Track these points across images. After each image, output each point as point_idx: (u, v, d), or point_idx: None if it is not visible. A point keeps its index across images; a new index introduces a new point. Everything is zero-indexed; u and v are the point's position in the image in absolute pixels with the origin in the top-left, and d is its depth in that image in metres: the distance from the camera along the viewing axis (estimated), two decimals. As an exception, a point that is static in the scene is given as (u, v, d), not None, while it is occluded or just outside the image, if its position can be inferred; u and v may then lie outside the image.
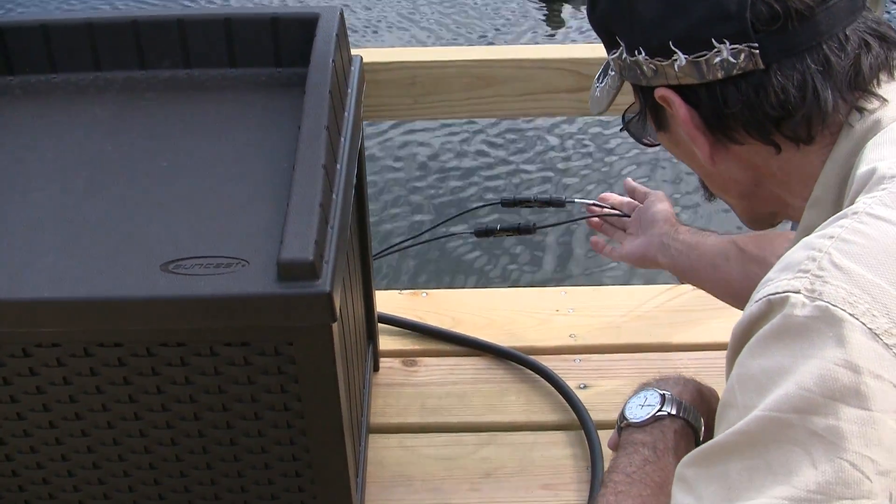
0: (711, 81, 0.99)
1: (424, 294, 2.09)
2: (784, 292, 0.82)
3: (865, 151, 0.94)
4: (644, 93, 1.09)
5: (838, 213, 0.89)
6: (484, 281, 3.79)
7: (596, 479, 1.68)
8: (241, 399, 1.29)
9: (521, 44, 6.08)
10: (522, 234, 1.86)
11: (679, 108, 1.02)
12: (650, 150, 1.21)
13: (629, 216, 1.70)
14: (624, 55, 1.06)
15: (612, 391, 1.83)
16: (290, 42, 1.47)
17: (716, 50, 0.97)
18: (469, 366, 1.93)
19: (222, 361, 1.24)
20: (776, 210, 1.14)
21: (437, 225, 1.96)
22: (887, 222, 0.83)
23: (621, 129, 1.25)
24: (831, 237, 0.84)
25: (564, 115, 3.98)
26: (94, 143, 1.38)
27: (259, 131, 1.38)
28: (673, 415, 1.20)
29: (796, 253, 0.86)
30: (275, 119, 1.40)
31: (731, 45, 0.96)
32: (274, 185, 1.27)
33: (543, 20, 6.51)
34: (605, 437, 1.74)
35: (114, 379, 1.26)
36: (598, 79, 1.21)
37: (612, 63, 1.13)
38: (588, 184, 4.49)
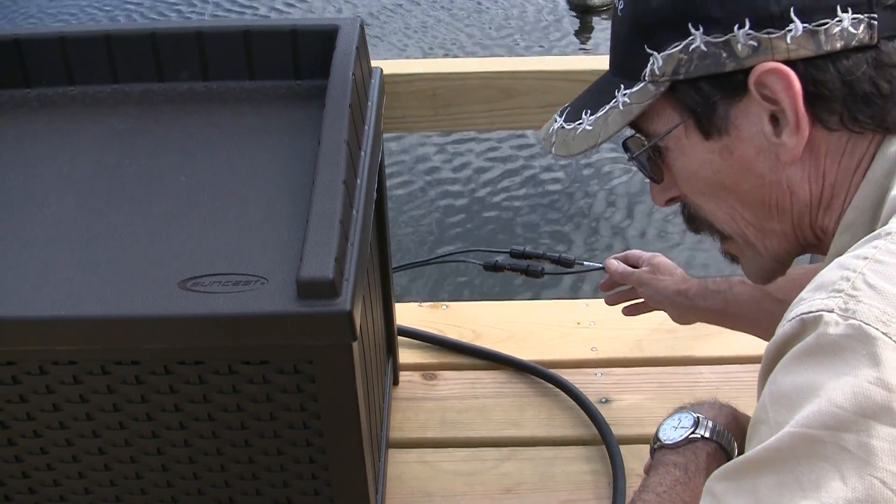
0: (826, 54, 0.91)
1: (444, 307, 2.08)
2: (818, 311, 0.80)
3: None
4: (712, 84, 0.97)
5: (871, 234, 0.87)
6: (505, 293, 3.78)
7: (618, 494, 1.66)
8: (259, 417, 1.27)
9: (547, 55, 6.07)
10: (530, 277, 1.85)
11: (794, 83, 0.92)
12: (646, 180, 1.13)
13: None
14: (696, 44, 0.95)
15: (633, 405, 1.81)
16: (309, 54, 1.45)
17: (837, 19, 0.90)
18: (489, 379, 1.92)
19: (241, 380, 1.23)
20: (792, 247, 1.07)
21: (461, 251, 1.96)
22: None
23: (630, 159, 1.10)
24: (865, 258, 0.82)
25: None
26: (112, 156, 1.37)
27: (278, 145, 1.37)
28: (706, 438, 1.19)
29: (829, 273, 0.83)
30: (294, 132, 1.38)
31: (853, 14, 0.90)
32: (293, 200, 1.26)
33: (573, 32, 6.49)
34: (626, 452, 1.73)
35: (131, 397, 1.25)
36: (587, 111, 1.08)
37: (658, 62, 0.99)
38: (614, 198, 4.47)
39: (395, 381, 1.88)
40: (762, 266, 1.11)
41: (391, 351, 1.84)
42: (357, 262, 1.19)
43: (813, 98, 0.92)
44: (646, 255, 1.69)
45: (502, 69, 1.75)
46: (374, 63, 1.56)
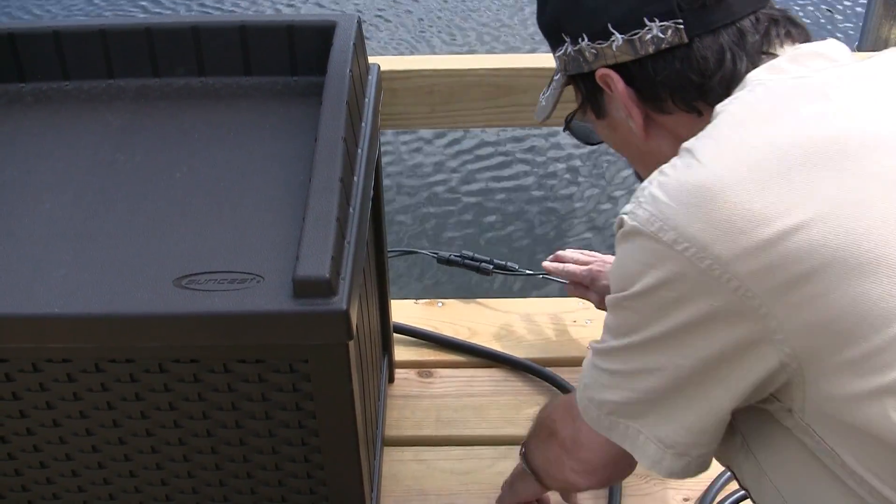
0: (644, 57, 1.13)
1: (440, 304, 2.07)
2: (621, 213, 1.04)
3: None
4: (585, 81, 1.22)
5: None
6: (501, 291, 3.77)
7: (613, 492, 1.66)
8: (254, 416, 1.26)
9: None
10: (481, 273, 2.06)
11: (617, 83, 1.16)
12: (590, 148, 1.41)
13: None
14: (569, 49, 1.20)
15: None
16: (306, 50, 1.44)
17: (647, 28, 1.11)
18: (485, 377, 1.91)
19: (236, 378, 1.22)
20: None
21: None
22: (698, 161, 0.99)
23: (564, 130, 1.38)
24: (660, 171, 1.03)
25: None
26: (107, 152, 1.36)
27: (274, 141, 1.36)
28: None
29: (642, 185, 1.05)
30: (290, 129, 1.38)
31: (660, 22, 1.11)
32: (289, 197, 1.25)
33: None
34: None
35: (125, 395, 1.24)
36: (544, 91, 1.33)
37: (557, 62, 1.26)
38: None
39: (391, 379, 1.88)
40: None
41: (387, 348, 1.83)
42: (353, 261, 1.18)
43: (641, 91, 1.15)
44: (581, 253, 1.92)
45: (500, 66, 1.74)
46: (371, 59, 1.55)
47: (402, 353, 1.93)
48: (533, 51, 5.48)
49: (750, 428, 1.10)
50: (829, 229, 0.93)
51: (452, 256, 2.08)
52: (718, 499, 1.64)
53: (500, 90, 1.73)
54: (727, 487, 1.65)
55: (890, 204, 0.94)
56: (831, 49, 1.12)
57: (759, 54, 1.11)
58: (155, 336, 1.16)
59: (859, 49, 2.95)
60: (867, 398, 0.93)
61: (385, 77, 1.59)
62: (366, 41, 1.49)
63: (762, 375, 0.99)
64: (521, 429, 1.76)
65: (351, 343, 1.17)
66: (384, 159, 1.63)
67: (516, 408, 1.83)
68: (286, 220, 1.22)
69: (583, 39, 1.17)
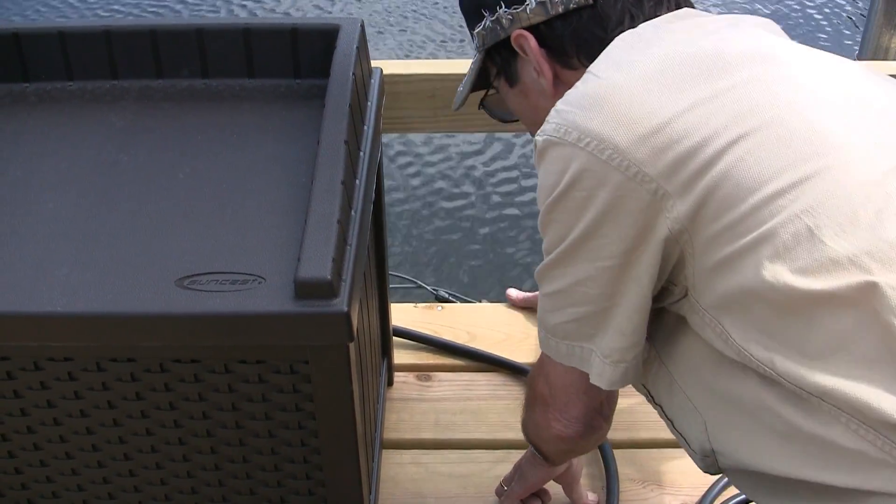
0: (553, 17, 1.25)
1: (440, 307, 2.07)
2: (535, 136, 1.16)
3: None
4: (500, 51, 1.33)
5: None
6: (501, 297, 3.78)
7: (611, 497, 1.67)
8: (254, 417, 1.27)
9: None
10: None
11: (530, 41, 1.27)
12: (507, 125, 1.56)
13: None
14: (487, 21, 1.31)
15: (627, 409, 1.81)
16: (309, 53, 1.45)
17: None
18: (484, 381, 1.91)
19: (236, 379, 1.22)
20: None
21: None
22: (595, 76, 1.13)
23: (479, 106, 1.48)
24: (565, 94, 1.15)
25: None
26: (110, 152, 1.36)
27: (277, 144, 1.37)
28: None
29: None
30: (293, 131, 1.38)
31: None
32: (292, 199, 1.26)
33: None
34: (620, 455, 1.73)
35: (126, 394, 1.25)
36: (461, 84, 1.45)
37: (475, 40, 1.36)
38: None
39: (390, 382, 1.88)
40: None
41: (386, 352, 1.84)
42: (355, 263, 1.19)
43: (551, 48, 1.27)
44: None
45: (502, 71, 1.74)
46: (374, 63, 1.55)
47: (401, 356, 1.94)
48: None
49: (660, 340, 1.22)
50: (706, 112, 1.05)
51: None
52: (716, 504, 1.64)
53: (502, 95, 1.73)
54: (724, 493, 1.65)
55: (757, 92, 1.08)
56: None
57: (653, 18, 1.23)
58: (156, 336, 1.16)
59: (859, 58, 2.96)
60: (742, 256, 1.03)
61: (387, 81, 1.60)
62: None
63: (663, 249, 1.09)
64: (520, 433, 1.76)
65: (351, 345, 1.18)
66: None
67: (515, 412, 1.83)
68: (288, 221, 1.23)
69: (500, 7, 1.29)
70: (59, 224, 1.25)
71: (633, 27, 1.21)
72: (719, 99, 1.07)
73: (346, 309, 1.12)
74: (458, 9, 1.41)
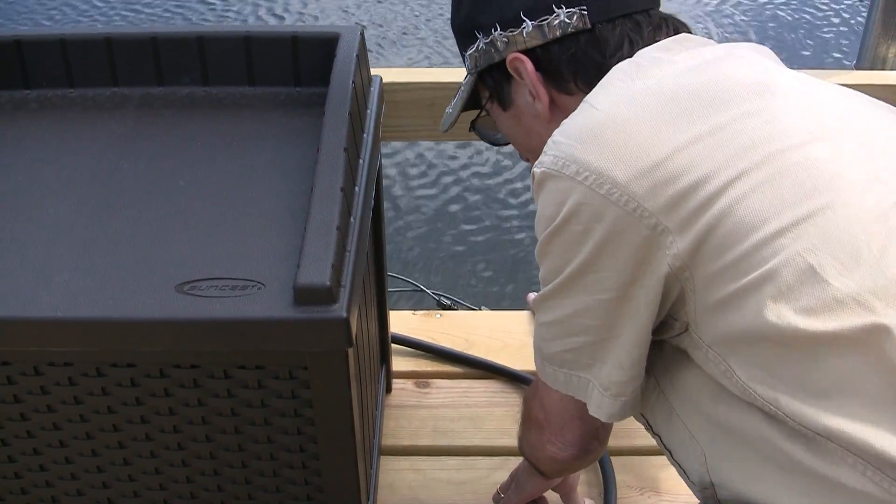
0: (551, 41, 1.24)
1: (438, 315, 2.08)
2: (534, 166, 1.15)
3: None
4: (494, 73, 1.31)
5: None
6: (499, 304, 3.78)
7: (608, 496, 1.67)
8: (253, 422, 1.27)
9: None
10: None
11: (527, 65, 1.25)
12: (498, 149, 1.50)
13: None
14: (481, 44, 1.29)
15: (626, 417, 1.81)
16: (309, 61, 1.46)
17: (555, 14, 1.23)
18: (482, 388, 1.92)
19: (236, 384, 1.23)
20: None
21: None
22: (593, 107, 1.12)
23: (470, 130, 1.46)
24: (560, 125, 1.14)
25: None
26: (110, 159, 1.37)
27: (277, 151, 1.37)
28: None
29: None
30: (293, 139, 1.39)
31: (566, 9, 1.22)
32: (291, 206, 1.26)
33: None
34: (617, 463, 1.73)
35: (126, 399, 1.25)
36: (449, 106, 1.43)
37: (467, 63, 1.35)
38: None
39: (388, 389, 1.89)
40: None
41: (385, 358, 1.84)
42: (354, 269, 1.19)
43: (548, 73, 1.25)
44: None
45: (501, 80, 1.75)
46: (373, 71, 1.56)
47: (399, 363, 1.95)
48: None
49: (660, 369, 1.20)
50: (706, 148, 1.04)
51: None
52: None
53: (501, 104, 1.74)
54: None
55: (757, 127, 1.06)
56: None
57: (651, 43, 1.21)
58: (156, 341, 1.17)
59: (857, 68, 2.96)
60: (745, 295, 1.02)
61: (387, 89, 1.60)
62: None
63: (663, 285, 1.08)
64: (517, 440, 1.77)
65: (350, 351, 1.19)
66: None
67: (512, 419, 1.82)
68: (287, 228, 1.23)
69: (495, 29, 1.27)
70: (59, 230, 1.26)
71: (632, 52, 1.20)
72: (719, 134, 1.05)
73: (345, 315, 1.13)
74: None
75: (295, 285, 1.12)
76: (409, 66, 5.25)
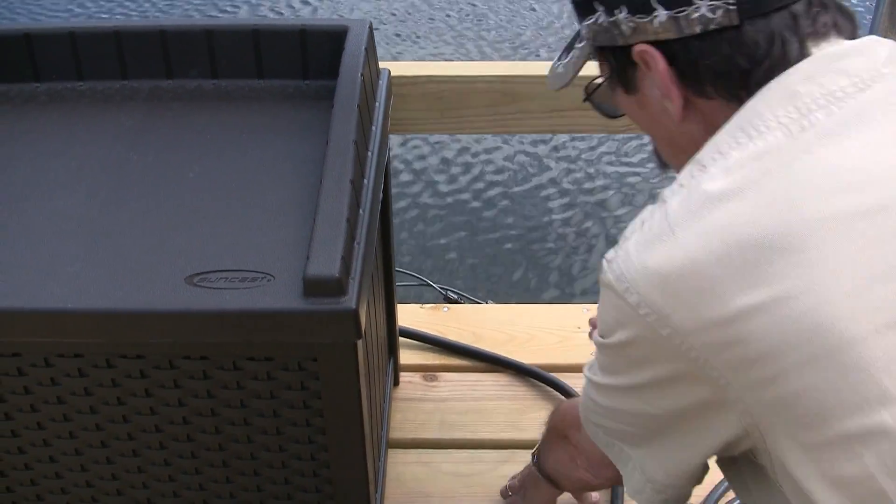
0: (688, 36, 1.04)
1: (445, 308, 2.08)
2: (605, 256, 1.03)
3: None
4: (617, 54, 1.12)
5: (677, 182, 1.02)
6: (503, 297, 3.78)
7: (616, 497, 1.67)
8: (262, 414, 1.28)
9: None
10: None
11: (658, 61, 1.06)
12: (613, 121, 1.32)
13: None
14: (602, 19, 1.10)
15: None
16: (318, 54, 1.46)
17: (695, 6, 1.02)
18: (490, 382, 1.92)
19: (245, 376, 1.23)
20: None
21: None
22: (671, 230, 0.97)
23: (584, 100, 1.27)
24: (641, 221, 1.01)
25: (592, 133, 3.96)
26: (120, 152, 1.38)
27: (286, 143, 1.38)
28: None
29: (637, 218, 1.03)
30: (301, 132, 1.39)
31: (709, 1, 1.02)
32: (300, 198, 1.27)
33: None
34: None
35: (135, 391, 1.26)
36: (560, 57, 1.25)
37: (583, 31, 1.16)
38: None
39: (396, 382, 1.89)
40: None
41: (392, 351, 1.85)
42: (363, 261, 1.20)
43: (683, 72, 1.06)
44: None
45: (507, 73, 1.76)
46: (381, 65, 1.57)
47: (407, 356, 1.95)
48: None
49: (745, 466, 1.10)
50: (787, 315, 0.92)
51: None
52: (720, 505, 1.65)
53: (508, 97, 1.74)
54: (727, 495, 1.66)
55: (850, 297, 0.93)
56: (863, 60, 1.04)
57: (806, 41, 1.03)
58: (166, 333, 1.17)
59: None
60: (815, 483, 0.95)
61: (395, 83, 1.61)
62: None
63: (727, 438, 1.01)
64: (525, 433, 1.78)
65: (359, 343, 1.19)
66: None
67: (520, 412, 1.84)
68: (297, 220, 1.24)
69: (620, 11, 1.07)
70: (69, 222, 1.26)
71: (786, 58, 1.02)
72: (806, 298, 0.92)
73: (354, 306, 1.13)
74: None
75: (304, 277, 1.13)
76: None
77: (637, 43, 1.07)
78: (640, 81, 1.12)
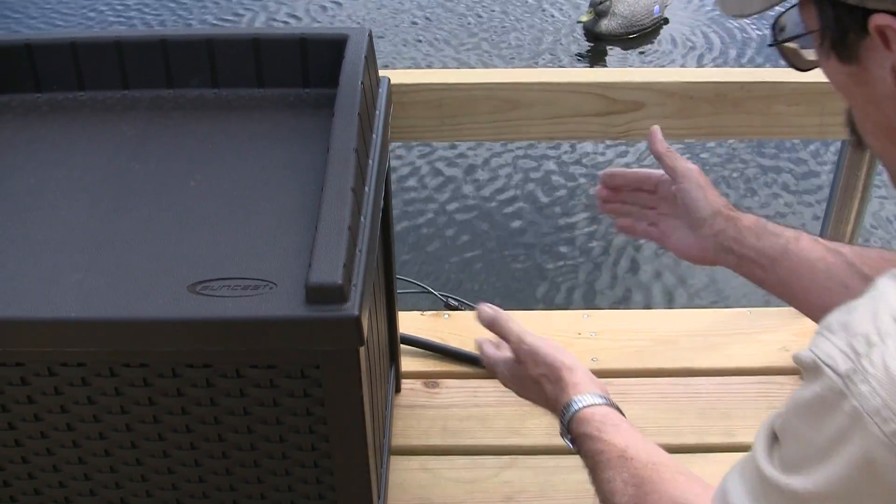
0: None
1: (446, 315, 2.09)
2: (827, 366, 0.76)
3: None
4: (841, 12, 0.87)
5: None
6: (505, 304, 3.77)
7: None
8: (265, 421, 1.28)
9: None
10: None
11: None
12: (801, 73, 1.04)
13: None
14: None
15: (633, 416, 1.80)
16: (318, 63, 1.47)
17: None
18: (491, 388, 1.92)
19: (248, 384, 1.24)
20: None
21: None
22: None
23: (771, 45, 1.02)
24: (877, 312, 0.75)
25: (591, 140, 3.95)
26: (121, 161, 1.38)
27: (286, 152, 1.38)
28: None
29: (864, 313, 0.77)
30: (302, 140, 1.40)
31: None
32: (302, 206, 1.27)
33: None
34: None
35: (138, 399, 1.26)
36: None
37: None
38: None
39: (398, 389, 1.89)
40: None
41: (394, 358, 1.85)
42: (365, 268, 1.20)
43: None
44: (656, 173, 1.46)
45: (507, 80, 1.76)
46: (381, 73, 1.57)
47: (408, 363, 1.95)
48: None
49: None
50: None
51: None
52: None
53: (508, 104, 1.75)
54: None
55: None
56: None
57: None
58: (168, 341, 1.18)
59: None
60: None
61: (395, 90, 1.61)
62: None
63: None
64: (526, 439, 1.79)
65: (361, 350, 1.19)
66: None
67: (521, 418, 1.84)
68: (298, 228, 1.24)
69: None
70: (71, 231, 1.26)
71: None
72: None
73: (356, 313, 1.14)
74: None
75: (307, 284, 1.13)
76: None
77: (878, 11, 0.82)
78: (864, 53, 0.87)
